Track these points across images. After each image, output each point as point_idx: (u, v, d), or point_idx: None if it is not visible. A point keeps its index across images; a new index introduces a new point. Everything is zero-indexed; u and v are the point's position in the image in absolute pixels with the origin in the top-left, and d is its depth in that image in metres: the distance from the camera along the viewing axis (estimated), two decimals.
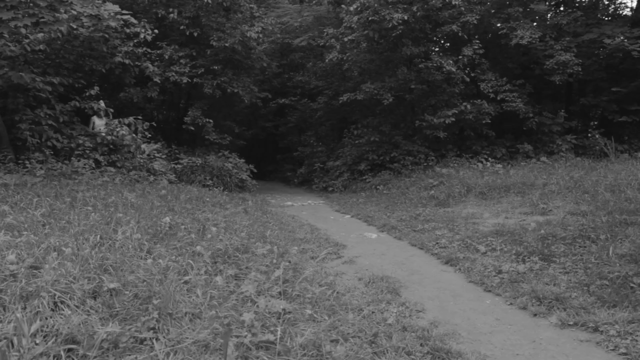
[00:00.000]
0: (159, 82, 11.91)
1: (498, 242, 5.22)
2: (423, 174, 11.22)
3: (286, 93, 19.03)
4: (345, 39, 12.69)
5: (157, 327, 2.41)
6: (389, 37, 11.91)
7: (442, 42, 14.05)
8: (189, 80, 12.43)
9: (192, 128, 12.78)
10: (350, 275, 4.56)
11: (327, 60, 14.07)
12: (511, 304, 3.72)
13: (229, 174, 12.38)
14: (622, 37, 11.40)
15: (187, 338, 2.33)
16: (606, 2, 15.07)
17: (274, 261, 4.06)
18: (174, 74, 12.11)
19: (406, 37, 12.13)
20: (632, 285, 3.53)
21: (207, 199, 8.26)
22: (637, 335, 2.96)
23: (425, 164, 12.12)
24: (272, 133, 21.07)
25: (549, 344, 3.00)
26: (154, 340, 2.33)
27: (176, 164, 11.89)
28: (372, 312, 3.43)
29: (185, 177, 11.71)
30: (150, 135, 11.06)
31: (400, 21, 11.24)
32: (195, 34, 12.41)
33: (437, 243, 5.61)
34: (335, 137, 16.52)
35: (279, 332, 2.41)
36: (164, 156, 11.44)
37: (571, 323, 3.24)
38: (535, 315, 3.47)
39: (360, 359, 2.54)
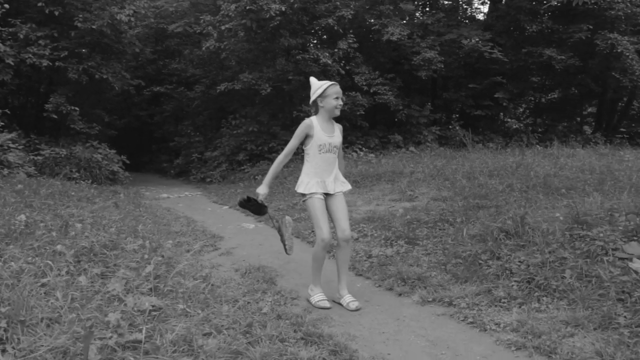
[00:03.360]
0: (12, 64, 10.70)
1: (369, 228, 5.53)
2: (301, 163, 11.30)
3: (161, 81, 18.18)
4: (223, 27, 12.45)
5: (4, 338, 2.20)
6: (267, 27, 11.92)
7: (320, 34, 14.37)
8: (50, 64, 11.34)
9: (55, 116, 11.70)
10: (227, 267, 4.55)
11: (204, 48, 13.70)
12: (379, 286, 3.98)
13: (99, 166, 11.58)
14: (477, 39, 12.56)
15: (42, 346, 2.16)
16: (465, 7, 16.53)
17: (146, 256, 3.90)
18: (31, 55, 10.96)
19: (284, 28, 12.23)
20: (480, 261, 3.96)
21: (73, 193, 7.68)
22: (482, 306, 3.33)
23: (302, 153, 12.33)
24: (147, 122, 20.05)
25: (411, 320, 3.26)
26: (0, 353, 2.13)
27: (36, 155, 10.84)
28: (248, 303, 3.45)
29: (48, 169, 10.74)
30: (3, 124, 9.94)
31: (278, 12, 11.29)
32: (57, 13, 11.33)
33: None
34: (213, 127, 16.19)
35: (144, 330, 2.33)
36: (20, 147, 10.34)
37: (430, 300, 3.55)
38: (400, 295, 3.74)
39: (233, 350, 2.55)
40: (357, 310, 3.43)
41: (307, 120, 3.52)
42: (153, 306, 2.77)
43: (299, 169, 11.64)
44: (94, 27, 11.42)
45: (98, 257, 3.71)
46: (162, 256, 4.14)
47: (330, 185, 3.54)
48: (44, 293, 2.79)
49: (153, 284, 3.22)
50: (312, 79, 3.63)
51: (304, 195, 3.54)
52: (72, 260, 3.41)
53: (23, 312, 2.38)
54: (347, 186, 3.69)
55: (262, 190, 3.57)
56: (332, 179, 3.55)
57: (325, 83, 3.49)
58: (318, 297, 3.54)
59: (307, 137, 3.50)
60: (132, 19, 12.43)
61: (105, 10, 11.78)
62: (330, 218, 3.56)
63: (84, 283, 2.93)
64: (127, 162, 12.79)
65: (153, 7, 15.71)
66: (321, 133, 3.48)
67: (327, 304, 3.47)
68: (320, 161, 3.50)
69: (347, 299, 3.51)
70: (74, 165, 11.11)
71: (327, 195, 3.54)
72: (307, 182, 3.52)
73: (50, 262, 3.18)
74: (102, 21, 11.50)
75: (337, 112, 3.51)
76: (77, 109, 11.84)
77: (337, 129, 3.61)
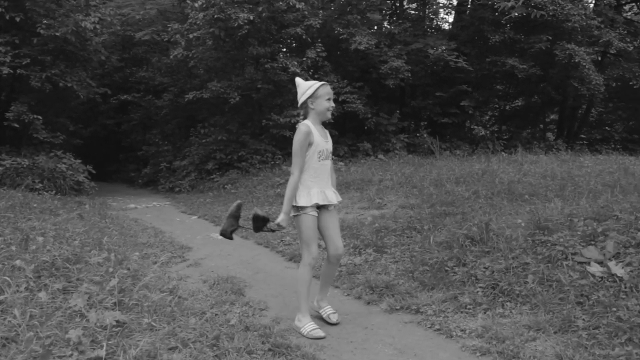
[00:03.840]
0: None
1: None
2: (270, 172, 11.44)
3: (129, 89, 17.86)
4: (191, 36, 12.35)
5: None
6: (236, 36, 11.89)
7: (289, 42, 14.41)
8: (11, 71, 11.02)
9: (17, 125, 11.33)
10: (195, 278, 4.49)
11: (172, 57, 13.55)
12: (348, 294, 4.00)
13: (63, 176, 11.26)
14: (442, 48, 12.82)
15: None
16: (431, 17, 16.86)
17: (110, 270, 3.82)
18: None
19: (252, 37, 12.22)
20: (446, 268, 4.03)
21: (35, 205, 7.45)
22: (448, 313, 3.39)
23: (272, 162, 12.36)
24: (114, 131, 19.64)
25: (379, 329, 3.28)
26: None
27: None
28: (215, 315, 3.42)
29: (9, 180, 10.38)
30: None
31: (246, 21, 11.28)
32: (18, 19, 11.01)
33: (282, 241, 5.78)
34: (182, 135, 15.99)
35: (105, 347, 2.28)
36: None
37: (398, 307, 3.59)
38: (368, 303, 3.77)
39: None
40: (337, 323, 3.34)
41: (303, 127, 3.16)
42: (117, 321, 2.71)
43: (269, 177, 11.46)
44: (57, 34, 11.15)
45: (60, 272, 3.61)
46: (128, 269, 4.06)
47: (330, 195, 3.28)
48: (1, 311, 2.70)
49: (117, 298, 3.16)
50: (299, 80, 3.34)
51: (301, 208, 3.17)
52: (32, 276, 3.31)
53: None
54: (339, 197, 3.44)
55: (284, 223, 3.14)
56: (330, 189, 3.32)
57: (316, 83, 3.21)
58: (309, 326, 3.19)
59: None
60: (98, 26, 12.19)
61: (70, 17, 11.52)
62: (320, 233, 3.32)
63: (44, 299, 2.85)
64: (93, 171, 12.48)
65: (119, 14, 15.47)
66: (319, 138, 3.20)
67: (321, 333, 3.15)
68: (319, 169, 3.22)
69: (328, 310, 3.41)
70: (36, 176, 10.78)
71: (321, 208, 3.27)
72: (307, 194, 3.17)
73: (8, 279, 3.09)
74: (67, 28, 11.24)
75: (329, 115, 3.25)
76: (40, 117, 11.52)
77: (327, 133, 3.38)
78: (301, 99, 3.22)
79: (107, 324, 2.57)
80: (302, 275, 3.27)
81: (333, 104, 3.26)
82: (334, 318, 3.38)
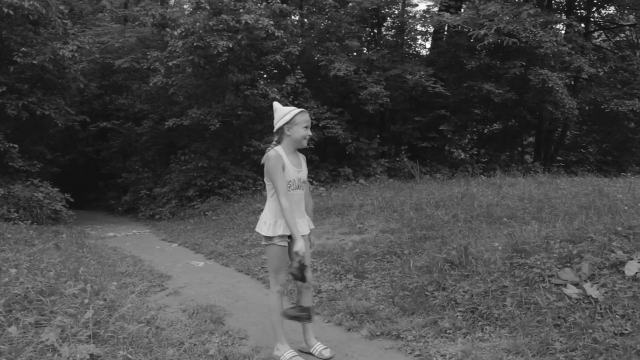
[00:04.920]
0: None
1: (319, 262, 5.53)
2: (251, 198, 11.40)
3: (108, 116, 17.79)
4: (170, 63, 12.40)
5: None
6: (215, 63, 11.97)
7: (268, 69, 14.55)
8: None
9: None
10: (175, 308, 4.42)
11: (151, 84, 13.56)
12: (329, 321, 3.96)
13: (40, 205, 11.06)
14: (421, 73, 13.08)
15: None
16: (409, 43, 17.23)
17: (86, 301, 3.74)
18: None
19: (232, 64, 12.33)
20: (426, 293, 4.03)
21: (9, 236, 7.32)
22: (428, 338, 3.38)
23: (253, 188, 12.33)
24: (93, 158, 19.45)
25: (360, 355, 3.26)
26: None
27: None
28: (194, 345, 3.36)
29: None
30: None
31: (226, 48, 11.38)
32: None
33: (263, 267, 5.72)
34: (163, 162, 15.90)
35: None
36: None
37: (378, 333, 3.57)
38: (349, 329, 3.75)
39: None
40: (330, 358, 3.24)
41: (273, 153, 3.08)
42: (91, 355, 2.66)
43: (250, 203, 11.39)
44: (35, 62, 11.11)
45: (33, 305, 3.52)
46: (105, 299, 3.99)
47: (301, 226, 3.16)
48: None
49: (92, 330, 3.09)
50: (277, 104, 3.24)
51: (267, 238, 3.14)
52: (2, 310, 3.22)
53: None
54: (311, 225, 3.34)
55: (302, 250, 3.03)
56: (301, 218, 3.21)
57: (294, 110, 3.13)
58: (289, 354, 3.16)
59: None
60: (77, 54, 12.21)
61: (48, 45, 11.51)
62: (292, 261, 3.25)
63: (14, 334, 2.78)
64: (72, 200, 12.29)
65: (98, 42, 15.50)
66: (290, 167, 3.12)
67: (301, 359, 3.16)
68: (290, 200, 3.09)
69: (319, 347, 3.29)
70: (12, 205, 10.57)
71: (290, 237, 3.16)
72: (273, 223, 3.12)
73: None
74: (44, 56, 11.21)
75: (305, 144, 3.17)
76: (16, 146, 11.37)
77: (303, 160, 3.30)
78: (278, 124, 3.14)
79: (80, 358, 2.51)
80: (272, 304, 3.23)
81: (310, 132, 3.19)
82: (326, 353, 3.26)
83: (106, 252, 7.37)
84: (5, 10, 10.36)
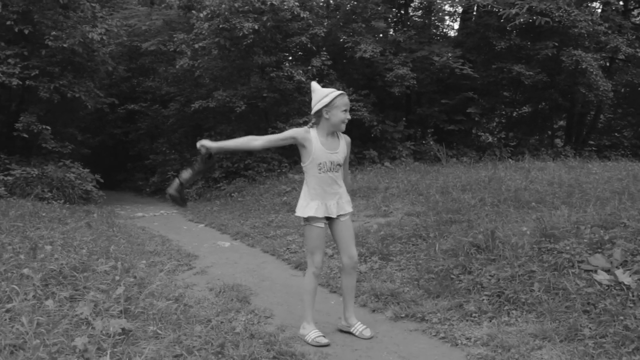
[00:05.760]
0: None
1: None
2: (277, 180, 11.47)
3: (136, 98, 18.04)
4: (197, 46, 12.46)
5: None
6: (241, 45, 11.97)
7: (294, 51, 14.49)
8: (21, 83, 11.17)
9: (26, 135, 11.47)
10: (202, 286, 4.50)
11: (178, 67, 13.67)
12: (354, 302, 3.98)
13: (72, 185, 11.36)
14: (449, 55, 12.84)
15: None
16: (437, 24, 16.90)
17: (117, 278, 3.85)
18: (0, 74, 10.78)
19: (258, 46, 12.31)
20: (452, 276, 4.01)
21: (44, 214, 7.53)
22: (453, 321, 3.37)
23: (278, 170, 12.39)
24: (122, 140, 19.80)
25: (384, 337, 3.28)
26: None
27: (6, 175, 10.60)
28: (221, 322, 3.42)
29: (19, 190, 10.49)
30: None
31: (251, 30, 11.36)
32: (27, 32, 11.19)
33: (288, 248, 5.78)
34: (189, 144, 16.05)
35: (108, 355, 2.30)
36: None
37: (403, 315, 3.58)
38: (373, 311, 3.76)
39: None
40: (371, 338, 3.22)
41: (302, 130, 3.10)
42: (122, 329, 2.73)
43: (275, 185, 11.51)
44: (65, 45, 11.30)
45: (67, 280, 3.65)
46: (135, 277, 4.09)
47: (333, 208, 3.15)
48: (9, 319, 2.73)
49: (123, 306, 3.18)
50: (315, 85, 3.16)
51: (306, 218, 3.16)
52: (39, 284, 3.34)
53: None
54: (350, 207, 3.27)
55: (206, 143, 3.08)
56: (335, 201, 3.16)
57: (333, 92, 3.04)
58: (314, 333, 3.18)
59: (301, 149, 3.11)
60: (105, 37, 12.36)
61: (77, 28, 11.68)
62: (336, 243, 3.32)
63: (51, 307, 2.88)
64: (101, 180, 12.59)
65: (126, 25, 15.64)
66: (321, 150, 3.06)
67: (325, 340, 3.14)
68: (320, 182, 3.09)
69: (359, 327, 3.28)
70: (45, 185, 10.89)
71: (329, 219, 3.19)
72: (306, 205, 3.14)
73: (16, 287, 3.12)
74: (74, 40, 11.39)
75: (343, 127, 3.11)
76: (48, 127, 11.65)
77: (343, 142, 3.19)
78: (316, 106, 3.05)
79: (112, 331, 2.59)
80: (306, 285, 3.28)
81: (349, 116, 3.10)
82: (367, 333, 3.25)
83: (135, 232, 7.54)
84: None
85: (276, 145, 3.14)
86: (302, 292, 3.30)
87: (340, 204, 3.20)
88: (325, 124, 3.07)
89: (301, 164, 3.19)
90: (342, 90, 3.53)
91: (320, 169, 3.08)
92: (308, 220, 3.15)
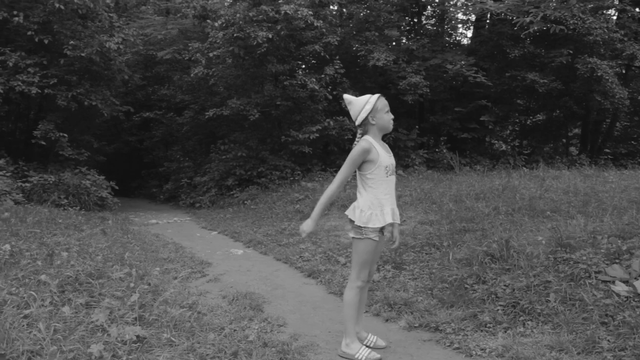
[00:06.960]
0: (1, 91, 10.73)
1: None
2: (289, 188, 11.50)
3: (151, 106, 18.28)
4: (211, 54, 12.60)
5: None
6: (255, 54, 12.07)
7: (307, 60, 14.58)
8: (39, 91, 11.37)
9: (44, 142, 11.67)
10: (215, 294, 4.52)
11: (192, 75, 13.82)
12: (367, 311, 3.96)
13: (87, 192, 11.52)
14: (462, 63, 12.81)
15: None
16: (450, 32, 16.89)
17: (132, 285, 3.88)
18: (20, 83, 10.99)
19: (271, 54, 12.40)
20: (466, 286, 3.98)
21: (60, 221, 7.63)
22: (467, 331, 3.34)
23: (291, 178, 12.42)
24: (137, 147, 20.06)
25: (397, 346, 3.26)
26: None
27: (24, 182, 10.78)
28: (234, 331, 3.43)
29: (36, 196, 10.67)
30: None
31: (265, 39, 11.46)
32: (46, 41, 11.41)
33: (301, 256, 5.79)
34: (203, 152, 16.23)
35: None
36: (8, 174, 10.31)
37: (417, 325, 3.56)
38: (387, 320, 3.74)
39: None
40: (384, 347, 3.21)
41: (364, 142, 2.93)
42: (137, 336, 2.76)
43: (288, 193, 11.42)
44: (83, 54, 11.52)
45: (83, 287, 3.69)
46: (149, 284, 4.12)
47: (394, 215, 3.08)
48: (27, 324, 2.76)
49: (138, 313, 3.20)
50: (349, 97, 3.10)
51: (359, 230, 2.97)
52: (56, 290, 3.38)
53: (4, 345, 2.36)
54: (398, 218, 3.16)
55: (307, 228, 2.96)
56: (394, 207, 3.11)
57: (372, 97, 3.00)
58: (365, 351, 3.03)
59: (364, 162, 2.97)
60: (122, 46, 12.56)
61: (95, 38, 11.90)
62: None
63: (67, 313, 2.91)
64: (116, 187, 12.74)
65: (142, 34, 15.88)
66: (383, 153, 2.99)
67: (377, 355, 3.03)
68: (388, 186, 3.00)
69: (372, 338, 3.26)
70: (62, 192, 11.05)
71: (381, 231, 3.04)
72: (381, 212, 2.97)
73: (33, 293, 3.16)
74: (92, 49, 11.60)
75: (391, 127, 3.06)
76: (65, 135, 11.85)
77: (388, 147, 3.16)
78: (361, 115, 2.98)
79: (127, 338, 2.61)
80: (350, 299, 3.07)
81: (392, 115, 3.06)
82: (381, 343, 3.24)
83: (149, 239, 7.60)
84: (57, 5, 10.84)
85: (351, 175, 3.01)
86: (344, 307, 3.12)
87: (396, 211, 3.14)
88: (374, 130, 3.01)
89: (361, 173, 3.00)
90: None
91: (387, 172, 2.99)
92: (364, 232, 2.96)
